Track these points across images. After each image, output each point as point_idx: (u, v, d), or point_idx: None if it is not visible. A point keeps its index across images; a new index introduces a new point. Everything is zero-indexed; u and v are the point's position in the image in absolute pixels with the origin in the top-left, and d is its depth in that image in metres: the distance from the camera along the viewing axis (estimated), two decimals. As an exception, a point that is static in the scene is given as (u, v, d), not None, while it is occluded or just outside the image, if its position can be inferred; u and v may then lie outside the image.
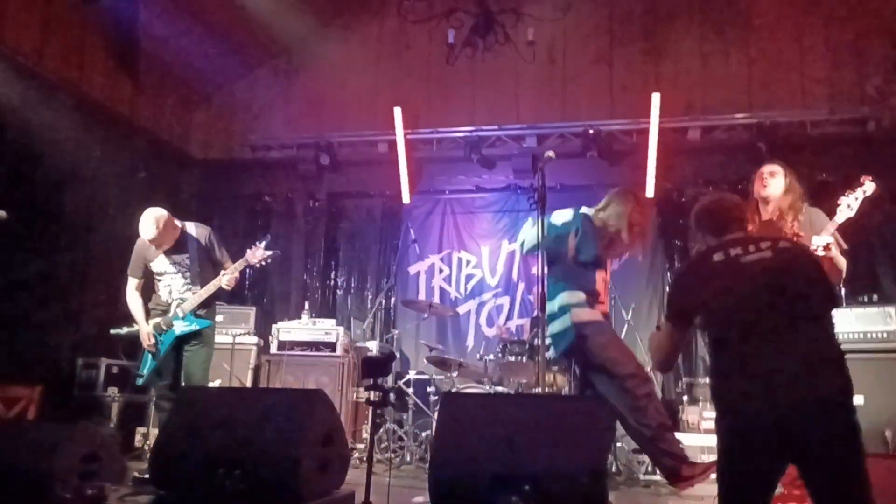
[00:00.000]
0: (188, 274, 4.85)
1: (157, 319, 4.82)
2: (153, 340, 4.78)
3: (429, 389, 6.35)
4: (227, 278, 4.81)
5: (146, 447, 5.57)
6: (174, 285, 4.86)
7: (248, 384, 6.81)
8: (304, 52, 8.76)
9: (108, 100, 7.39)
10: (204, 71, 8.20)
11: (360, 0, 8.75)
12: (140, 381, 4.91)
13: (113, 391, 6.37)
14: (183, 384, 4.70)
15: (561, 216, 4.58)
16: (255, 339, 7.08)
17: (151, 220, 4.67)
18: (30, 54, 6.39)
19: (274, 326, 6.88)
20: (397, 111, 7.97)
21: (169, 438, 3.16)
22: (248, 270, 8.10)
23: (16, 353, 5.91)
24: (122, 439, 5.99)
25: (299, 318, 6.98)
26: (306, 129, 8.48)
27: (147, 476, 3.75)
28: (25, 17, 6.38)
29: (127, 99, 7.66)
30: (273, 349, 6.72)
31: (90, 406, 6.34)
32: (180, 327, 4.76)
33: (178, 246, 4.89)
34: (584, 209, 4.58)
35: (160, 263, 4.87)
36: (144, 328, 4.81)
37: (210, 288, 4.80)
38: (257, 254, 4.94)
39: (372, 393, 2.92)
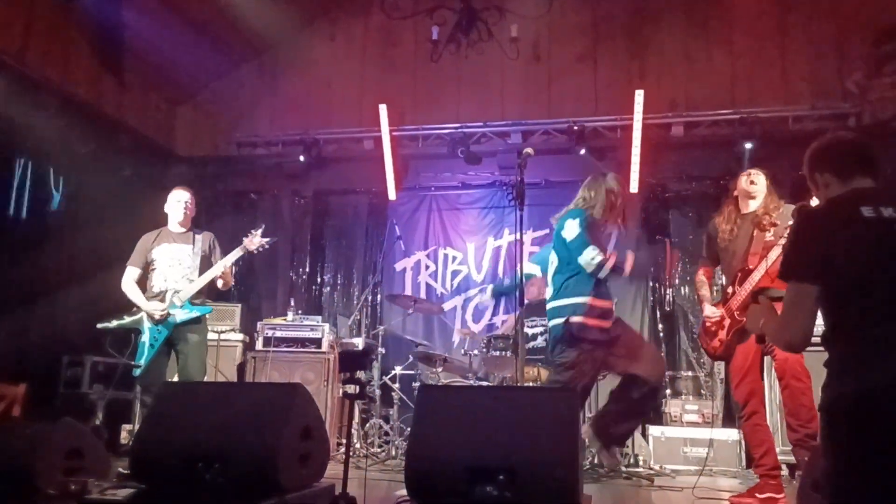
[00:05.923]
0: (189, 266, 4.87)
1: (157, 304, 4.77)
2: (165, 311, 4.74)
3: (414, 385, 6.39)
4: (229, 260, 4.88)
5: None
6: (170, 275, 4.85)
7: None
8: (289, 49, 8.76)
9: (92, 98, 7.36)
10: (189, 68, 8.16)
11: (344, -3, 8.78)
12: (137, 372, 4.76)
13: (98, 388, 6.36)
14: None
15: None
16: (240, 336, 7.10)
17: (183, 190, 4.99)
18: (13, 53, 6.36)
19: (259, 323, 6.90)
20: (382, 108, 7.98)
21: (149, 432, 3.18)
22: (233, 268, 8.06)
23: (-1, 352, 5.91)
24: (107, 436, 6.01)
25: (285, 314, 6.99)
26: (292, 126, 8.49)
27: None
28: (8, 15, 6.35)
29: (111, 97, 7.64)
30: (259, 346, 6.74)
31: (75, 404, 6.32)
32: (180, 315, 4.76)
33: (185, 238, 4.97)
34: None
35: (161, 251, 4.90)
36: (150, 305, 4.76)
37: (208, 276, 4.85)
38: (255, 241, 4.99)
39: (349, 386, 2.95)
